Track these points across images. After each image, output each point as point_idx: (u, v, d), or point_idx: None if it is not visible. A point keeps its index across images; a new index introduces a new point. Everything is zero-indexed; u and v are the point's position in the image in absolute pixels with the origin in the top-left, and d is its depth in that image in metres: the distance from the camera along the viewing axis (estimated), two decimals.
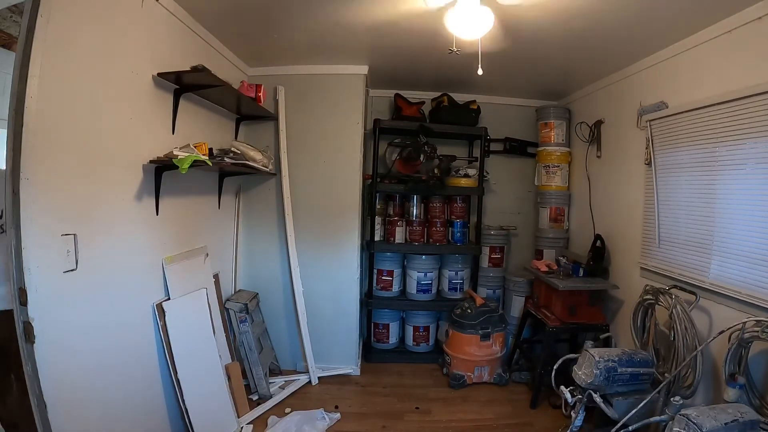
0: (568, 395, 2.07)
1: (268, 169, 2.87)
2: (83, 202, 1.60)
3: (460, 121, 3.46)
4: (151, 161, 1.96)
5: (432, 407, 2.82)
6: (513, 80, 3.34)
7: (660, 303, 2.21)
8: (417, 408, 2.80)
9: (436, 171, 3.25)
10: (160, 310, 2.06)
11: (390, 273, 3.51)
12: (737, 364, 1.76)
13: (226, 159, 2.36)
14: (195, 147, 2.08)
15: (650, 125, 2.54)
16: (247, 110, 2.94)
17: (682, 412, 1.55)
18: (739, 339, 1.73)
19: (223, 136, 2.81)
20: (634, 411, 1.86)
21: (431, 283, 3.52)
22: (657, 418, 1.82)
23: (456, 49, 2.10)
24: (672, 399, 1.77)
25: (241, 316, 2.76)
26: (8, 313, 1.39)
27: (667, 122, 2.42)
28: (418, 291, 3.48)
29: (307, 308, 3.13)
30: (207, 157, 2.09)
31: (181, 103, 2.20)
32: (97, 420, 1.65)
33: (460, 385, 3.08)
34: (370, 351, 3.53)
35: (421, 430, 2.57)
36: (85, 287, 1.60)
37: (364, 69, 3.11)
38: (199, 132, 2.45)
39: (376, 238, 3.46)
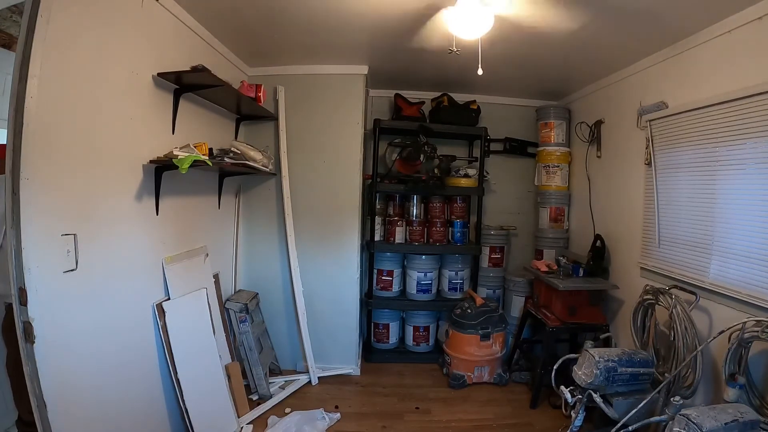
0: (568, 395, 2.07)
1: (268, 169, 2.87)
2: (83, 201, 1.60)
3: (460, 121, 3.46)
4: (151, 161, 1.96)
5: (432, 407, 2.82)
6: (513, 80, 3.34)
7: (660, 303, 2.21)
8: (417, 408, 2.80)
9: (436, 171, 3.25)
10: (160, 310, 2.06)
11: (390, 273, 3.51)
12: (737, 364, 1.76)
13: (226, 159, 2.36)
14: (195, 147, 2.08)
15: (650, 125, 2.54)
16: (247, 110, 2.94)
17: (682, 412, 1.55)
18: (739, 339, 1.73)
19: (223, 136, 2.81)
20: (634, 411, 1.86)
21: (431, 283, 3.51)
22: (657, 418, 1.82)
23: (456, 50, 2.10)
24: (672, 399, 1.77)
25: (241, 316, 2.76)
26: None
27: (667, 122, 2.42)
28: (418, 291, 3.48)
29: (307, 308, 3.13)
30: (207, 157, 2.09)
31: (181, 103, 2.20)
32: (97, 420, 1.65)
33: (460, 385, 3.08)
34: (370, 351, 3.53)
35: (421, 430, 2.57)
36: (85, 287, 1.60)
37: (364, 69, 3.11)
38: (199, 132, 2.45)
39: (376, 238, 3.46)
